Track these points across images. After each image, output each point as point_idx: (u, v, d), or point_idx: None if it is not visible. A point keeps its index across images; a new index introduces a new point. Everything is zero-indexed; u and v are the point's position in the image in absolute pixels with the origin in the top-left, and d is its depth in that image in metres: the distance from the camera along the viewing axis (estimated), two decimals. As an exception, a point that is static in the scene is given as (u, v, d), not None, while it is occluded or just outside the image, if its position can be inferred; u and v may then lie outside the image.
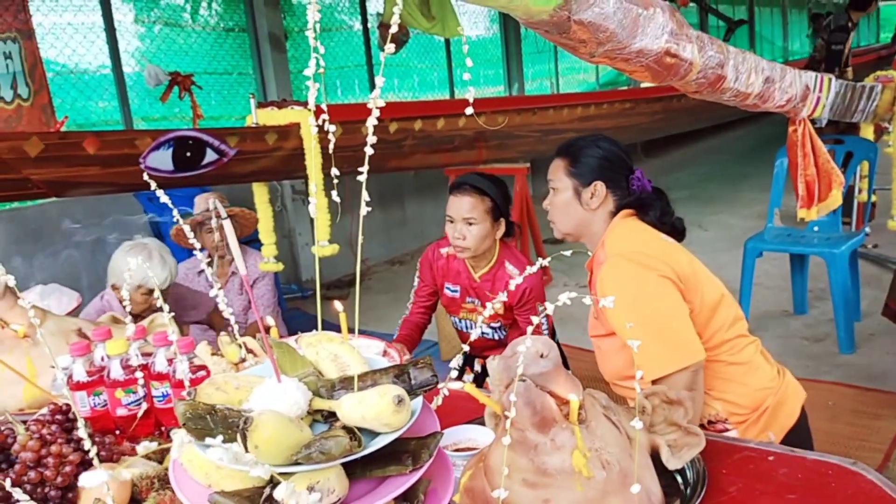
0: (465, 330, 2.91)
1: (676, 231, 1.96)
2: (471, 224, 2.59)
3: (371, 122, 0.81)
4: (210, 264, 3.57)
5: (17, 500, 1.30)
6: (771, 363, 1.92)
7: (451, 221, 2.63)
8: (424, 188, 7.51)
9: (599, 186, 1.91)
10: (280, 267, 3.91)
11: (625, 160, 1.96)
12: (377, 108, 0.79)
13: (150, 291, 2.76)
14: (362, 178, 0.84)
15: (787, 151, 2.56)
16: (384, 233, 7.28)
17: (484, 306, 2.66)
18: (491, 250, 2.70)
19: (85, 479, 0.38)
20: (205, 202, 3.61)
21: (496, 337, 2.86)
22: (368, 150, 0.80)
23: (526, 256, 2.88)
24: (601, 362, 1.93)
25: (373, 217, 5.93)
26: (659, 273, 1.75)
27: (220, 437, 0.56)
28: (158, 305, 2.70)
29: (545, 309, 0.86)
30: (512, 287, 1.01)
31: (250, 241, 4.10)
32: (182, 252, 3.77)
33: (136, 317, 2.77)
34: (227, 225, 0.78)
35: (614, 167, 1.94)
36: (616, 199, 1.93)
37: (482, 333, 2.84)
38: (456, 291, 2.81)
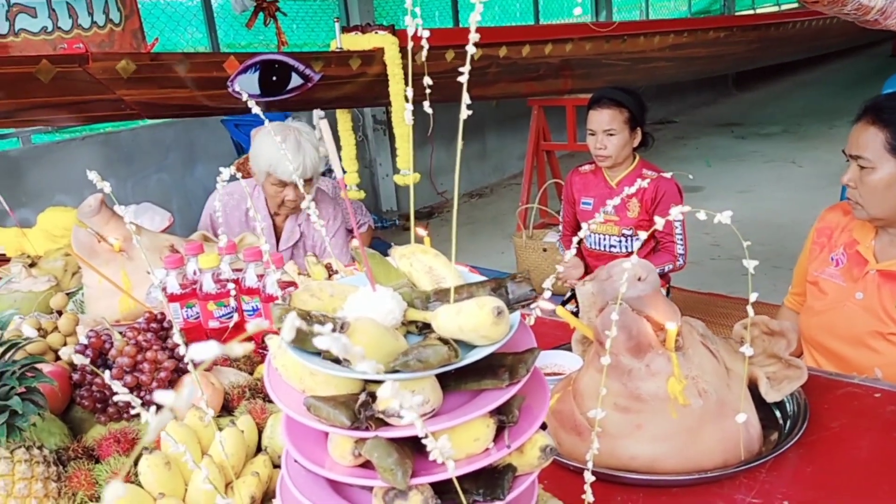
0: (591, 247, 3.01)
1: None
2: (611, 135, 2.78)
3: (472, 39, 0.76)
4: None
5: (112, 404, 1.35)
6: None
7: (593, 134, 2.82)
8: (505, 120, 7.38)
9: None
10: (363, 195, 3.92)
11: None
12: (475, 28, 0.74)
13: (282, 184, 2.46)
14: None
15: (904, 77, 2.38)
16: (463, 165, 7.21)
17: (618, 214, 2.83)
18: (629, 159, 2.89)
19: (193, 352, 0.37)
20: None
21: (622, 250, 2.91)
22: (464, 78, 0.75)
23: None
24: None
25: (452, 148, 5.88)
26: None
27: (330, 327, 0.55)
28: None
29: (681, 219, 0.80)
30: (645, 184, 0.97)
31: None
32: None
33: (273, 216, 2.60)
34: (324, 125, 0.76)
35: None
36: None
37: (609, 248, 2.94)
38: (589, 204, 2.97)
